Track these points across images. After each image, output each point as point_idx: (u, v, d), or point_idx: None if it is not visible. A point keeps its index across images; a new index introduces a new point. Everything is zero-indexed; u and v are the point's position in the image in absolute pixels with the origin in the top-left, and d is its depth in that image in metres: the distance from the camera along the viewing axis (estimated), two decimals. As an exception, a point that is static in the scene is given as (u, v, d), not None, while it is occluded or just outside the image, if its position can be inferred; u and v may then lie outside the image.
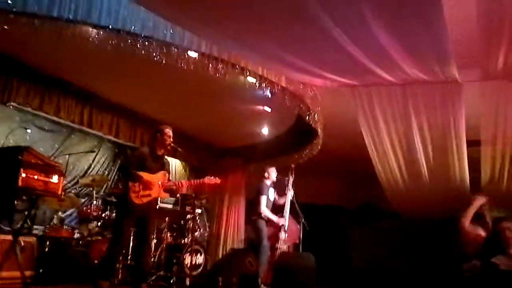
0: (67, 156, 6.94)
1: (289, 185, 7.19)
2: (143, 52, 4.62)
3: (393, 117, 5.91)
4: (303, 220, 7.01)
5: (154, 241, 6.24)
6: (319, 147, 7.04)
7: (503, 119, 5.69)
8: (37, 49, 5.37)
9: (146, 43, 4.55)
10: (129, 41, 4.54)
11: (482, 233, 5.28)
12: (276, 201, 7.18)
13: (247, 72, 5.17)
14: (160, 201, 6.18)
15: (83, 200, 7.17)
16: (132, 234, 5.44)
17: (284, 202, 7.10)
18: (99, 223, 6.27)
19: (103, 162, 8.44)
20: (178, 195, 7.09)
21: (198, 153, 8.40)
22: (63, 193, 5.83)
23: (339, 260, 10.09)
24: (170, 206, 7.11)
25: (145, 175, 4.92)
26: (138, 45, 4.56)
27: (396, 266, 9.37)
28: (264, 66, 5.26)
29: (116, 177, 8.37)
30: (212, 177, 5.58)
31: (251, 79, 5.32)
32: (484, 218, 4.40)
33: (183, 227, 6.83)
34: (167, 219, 6.66)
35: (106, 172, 8.38)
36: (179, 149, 5.18)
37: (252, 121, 7.34)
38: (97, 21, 4.48)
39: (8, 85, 5.70)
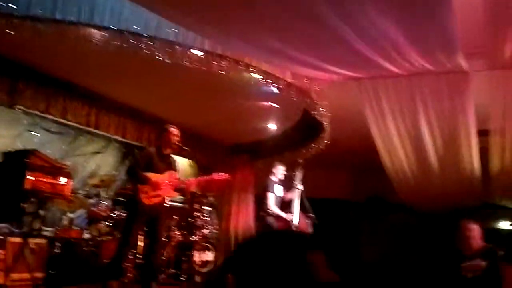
0: (75, 157, 6.98)
1: (297, 180, 7.17)
2: (146, 52, 4.62)
3: (400, 109, 5.87)
4: (312, 215, 6.99)
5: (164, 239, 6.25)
6: (326, 141, 7.01)
7: (510, 108, 5.63)
8: (42, 52, 5.37)
9: (150, 42, 4.54)
10: (132, 41, 4.54)
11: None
12: (284, 197, 7.16)
13: (251, 69, 5.15)
14: (169, 199, 6.20)
15: (92, 200, 7.20)
16: (141, 234, 5.45)
17: (292, 198, 7.08)
18: (108, 223, 6.29)
19: (111, 163, 8.46)
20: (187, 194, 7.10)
21: (206, 151, 8.41)
22: (71, 194, 5.87)
23: (349, 254, 10.07)
24: (179, 204, 7.12)
25: (153, 176, 4.93)
26: (141, 45, 4.56)
27: (406, 260, 9.34)
28: (268, 61, 5.23)
29: (124, 177, 8.38)
30: (221, 173, 5.59)
31: (256, 75, 5.30)
32: None
33: (192, 224, 6.83)
34: (176, 217, 6.67)
35: (115, 172, 8.40)
36: (185, 148, 5.18)
37: (259, 117, 7.33)
38: (100, 22, 4.48)
39: (14, 88, 5.72)
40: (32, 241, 5.11)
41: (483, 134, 6.10)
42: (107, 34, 4.55)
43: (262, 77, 5.28)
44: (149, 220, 4.98)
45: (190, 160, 8.64)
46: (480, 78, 5.29)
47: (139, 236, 5.31)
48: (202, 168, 8.83)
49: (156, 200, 4.92)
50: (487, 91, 5.53)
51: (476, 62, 5.00)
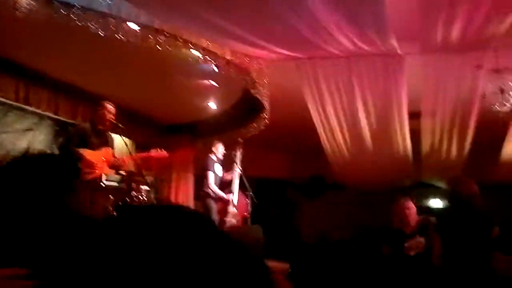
0: (4, 134, 6.59)
1: (237, 160, 7.18)
2: (78, 23, 4.39)
3: (337, 90, 5.98)
4: (251, 194, 7.04)
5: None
6: (266, 121, 7.03)
7: (442, 91, 5.88)
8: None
9: (81, 13, 4.31)
10: (62, 11, 4.29)
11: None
12: (223, 176, 7.17)
13: (190, 45, 5.03)
14: (105, 179, 6.03)
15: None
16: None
17: (232, 177, 7.11)
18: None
19: (44, 141, 8.07)
20: (123, 172, 6.92)
21: (144, 129, 8.19)
22: None
23: (289, 232, 10.27)
24: (115, 184, 6.92)
25: (87, 152, 4.77)
26: (72, 15, 4.32)
27: (343, 237, 9.65)
28: (207, 38, 5.14)
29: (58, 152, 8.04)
30: (159, 150, 5.51)
31: (195, 52, 5.19)
32: None
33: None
34: (112, 197, 6.48)
35: (48, 151, 8.03)
36: (119, 125, 5.03)
37: (199, 96, 7.21)
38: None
39: None
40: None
41: (415, 116, 6.36)
42: (34, 3, 4.28)
43: (201, 54, 5.18)
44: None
45: (126, 139, 8.40)
46: (413, 61, 5.48)
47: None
48: (140, 147, 8.63)
49: (89, 176, 4.77)
50: (419, 74, 5.74)
51: (409, 45, 5.15)
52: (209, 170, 6.95)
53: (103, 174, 5.04)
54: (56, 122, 8.05)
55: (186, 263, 0.63)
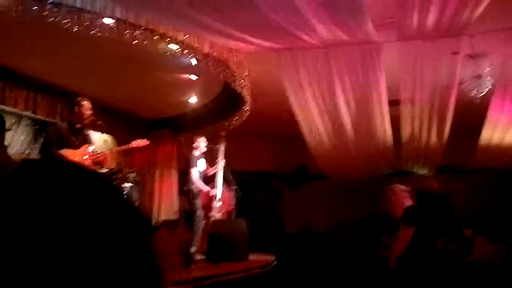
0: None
1: (220, 153, 7.17)
2: (52, 19, 4.31)
3: (317, 79, 6.00)
4: (235, 187, 7.05)
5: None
6: (248, 113, 7.03)
7: (420, 79, 5.94)
8: None
9: (54, 9, 4.24)
10: (36, 7, 4.22)
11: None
12: (206, 171, 7.15)
13: (167, 39, 4.99)
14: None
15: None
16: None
17: (215, 172, 7.09)
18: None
19: (23, 141, 7.95)
20: (106, 169, 6.86)
21: (125, 125, 8.12)
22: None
23: (273, 223, 10.32)
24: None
25: (68, 153, 4.71)
26: (46, 12, 4.24)
27: (326, 227, 9.75)
28: (184, 31, 5.10)
29: (39, 155, 7.93)
30: (140, 140, 5.48)
31: (172, 46, 5.14)
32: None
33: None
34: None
35: (27, 151, 7.92)
36: (99, 121, 4.98)
37: (179, 90, 7.16)
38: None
39: None
40: None
41: (395, 103, 6.41)
42: (6, 0, 4.20)
43: (178, 48, 5.13)
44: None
45: (108, 136, 8.33)
46: (391, 49, 5.51)
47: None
48: (121, 143, 8.56)
49: None
50: (398, 62, 5.78)
51: (387, 33, 5.19)
52: (192, 166, 6.92)
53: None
54: (35, 121, 7.95)
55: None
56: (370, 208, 9.12)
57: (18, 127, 7.84)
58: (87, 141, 5.03)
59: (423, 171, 8.31)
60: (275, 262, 6.30)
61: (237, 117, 7.32)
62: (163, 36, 4.95)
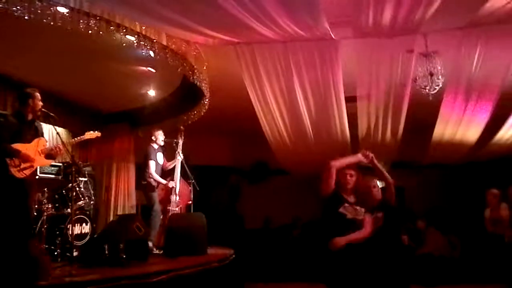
0: None
1: (178, 147, 7.10)
2: (2, 7, 4.13)
3: (276, 74, 6.03)
4: (193, 181, 7.00)
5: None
6: (206, 107, 6.98)
7: (376, 75, 6.06)
8: None
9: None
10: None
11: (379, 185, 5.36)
12: (165, 164, 7.07)
13: (123, 29, 4.87)
14: (39, 171, 5.80)
15: None
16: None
17: (173, 166, 7.03)
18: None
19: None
20: (59, 162, 6.66)
21: (80, 118, 7.89)
22: None
23: (232, 218, 10.33)
24: (51, 176, 6.65)
25: (21, 147, 4.53)
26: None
27: (285, 222, 9.82)
28: (142, 22, 5.00)
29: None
30: (93, 132, 5.36)
31: (129, 37, 5.04)
32: (378, 170, 4.44)
33: (66, 196, 6.44)
34: (47, 189, 6.23)
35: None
36: (51, 114, 4.82)
37: (137, 83, 7.02)
38: None
39: None
40: None
41: (351, 100, 6.52)
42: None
43: (135, 39, 5.03)
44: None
45: (61, 128, 8.09)
46: (348, 46, 5.60)
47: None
48: (76, 137, 8.33)
49: (29, 171, 4.55)
50: (354, 58, 5.88)
51: (343, 30, 5.26)
52: (150, 159, 6.84)
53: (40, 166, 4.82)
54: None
55: None
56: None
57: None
58: (38, 133, 4.85)
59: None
60: (234, 256, 6.30)
61: (196, 111, 7.26)
62: (119, 27, 4.84)
